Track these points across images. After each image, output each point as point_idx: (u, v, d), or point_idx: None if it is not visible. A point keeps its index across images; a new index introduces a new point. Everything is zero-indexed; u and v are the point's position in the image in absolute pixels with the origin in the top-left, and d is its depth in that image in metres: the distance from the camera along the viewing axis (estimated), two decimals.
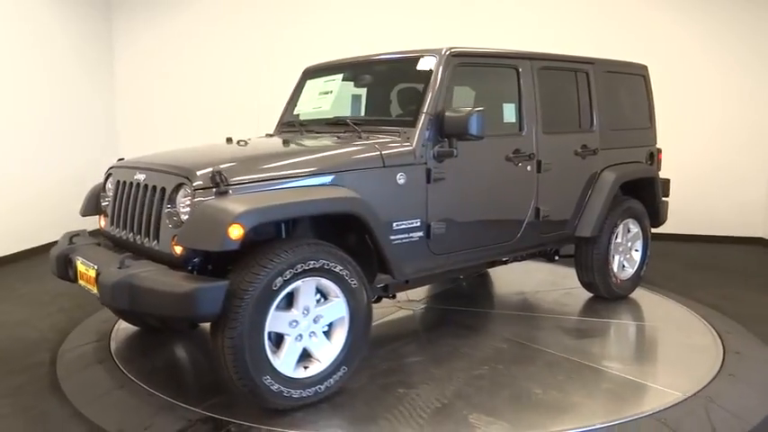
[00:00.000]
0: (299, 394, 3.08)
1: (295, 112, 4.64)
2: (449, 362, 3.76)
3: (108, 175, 3.79)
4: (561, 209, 4.54)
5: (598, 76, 4.80)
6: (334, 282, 3.16)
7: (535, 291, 5.34)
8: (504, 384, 3.46)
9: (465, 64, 3.92)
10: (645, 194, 5.21)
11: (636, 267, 5.15)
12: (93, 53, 8.04)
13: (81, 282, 3.39)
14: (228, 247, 2.78)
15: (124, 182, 3.53)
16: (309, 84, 4.63)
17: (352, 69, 4.49)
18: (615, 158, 4.89)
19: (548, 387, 3.42)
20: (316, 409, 3.15)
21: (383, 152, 3.51)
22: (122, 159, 3.85)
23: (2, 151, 6.50)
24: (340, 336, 3.25)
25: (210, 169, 3.02)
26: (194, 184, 3.01)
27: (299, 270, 2.99)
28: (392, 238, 3.52)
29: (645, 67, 5.32)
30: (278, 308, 3.01)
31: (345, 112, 4.41)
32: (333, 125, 4.10)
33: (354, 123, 3.89)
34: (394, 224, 3.54)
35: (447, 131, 3.64)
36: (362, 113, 4.53)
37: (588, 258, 4.82)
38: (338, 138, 3.82)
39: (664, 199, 5.38)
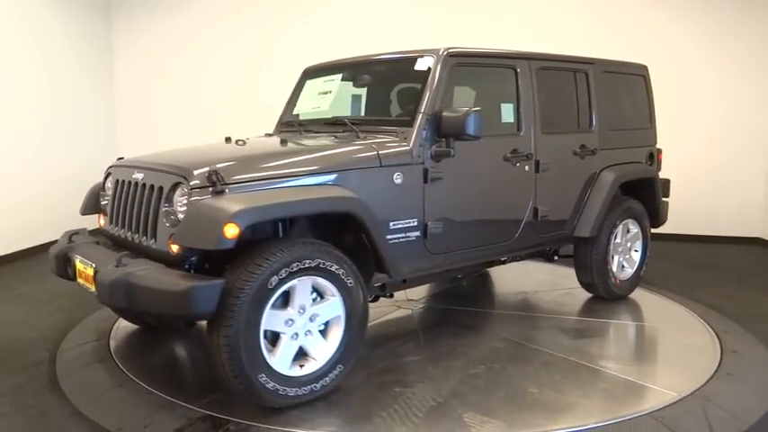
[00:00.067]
0: (294, 392, 3.10)
1: (294, 112, 4.65)
2: (446, 361, 3.77)
3: (107, 175, 3.82)
4: (560, 209, 4.54)
5: (597, 76, 4.80)
6: (330, 281, 3.17)
7: (534, 291, 5.35)
8: (500, 384, 3.46)
9: (463, 64, 3.93)
10: (645, 195, 5.20)
11: (635, 268, 5.14)
12: (92, 53, 8.05)
13: (79, 280, 3.42)
14: (224, 245, 2.80)
15: (123, 181, 3.56)
16: (309, 84, 4.65)
17: (351, 69, 4.51)
18: (615, 159, 4.89)
19: (544, 387, 3.42)
20: (311, 408, 3.16)
21: (380, 152, 3.52)
22: (122, 158, 3.88)
23: (1, 151, 6.52)
24: (336, 334, 3.26)
25: (207, 169, 3.03)
26: (191, 184, 3.03)
27: (295, 269, 3.00)
28: (389, 237, 3.53)
29: (645, 68, 5.32)
30: (274, 306, 3.02)
31: (344, 111, 4.42)
32: (331, 125, 4.11)
33: (353, 123, 3.90)
34: (391, 224, 3.55)
35: (444, 131, 3.65)
36: (362, 113, 4.54)
37: (587, 258, 4.82)
38: (336, 137, 3.84)
39: (664, 199, 5.38)
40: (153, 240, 3.22)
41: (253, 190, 3.08)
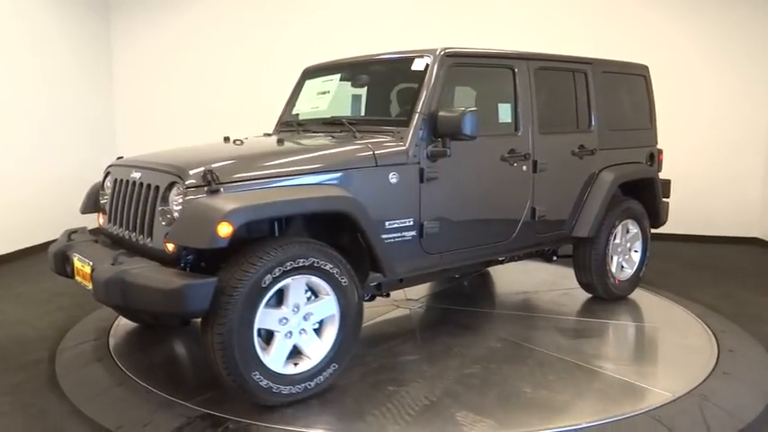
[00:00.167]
0: (288, 390, 3.12)
1: (294, 112, 4.68)
2: (442, 360, 3.78)
3: (107, 174, 3.85)
4: (558, 209, 4.54)
5: (597, 76, 4.79)
6: (324, 279, 3.19)
7: (534, 291, 5.35)
8: (494, 383, 3.47)
9: (460, 64, 3.94)
10: (645, 195, 5.20)
11: (635, 268, 5.14)
12: (91, 53, 8.05)
13: (77, 278, 3.45)
14: (217, 244, 2.82)
15: (121, 180, 3.59)
16: (308, 84, 4.67)
17: (350, 70, 4.53)
18: (614, 159, 4.89)
19: (538, 386, 3.43)
20: (305, 406, 3.18)
21: (376, 152, 3.53)
22: (121, 158, 3.92)
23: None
24: (330, 333, 3.28)
25: (202, 168, 3.06)
26: (186, 183, 3.06)
27: (289, 268, 3.02)
28: (384, 237, 3.54)
29: (645, 68, 5.31)
30: (268, 305, 3.04)
31: (343, 111, 4.44)
32: (329, 125, 4.13)
33: (350, 123, 3.92)
34: (386, 223, 3.56)
35: (440, 131, 3.66)
36: (362, 113, 4.56)
37: (586, 259, 4.82)
38: (333, 137, 3.86)
39: (664, 200, 5.36)
40: (149, 239, 3.25)
41: (248, 189, 3.10)
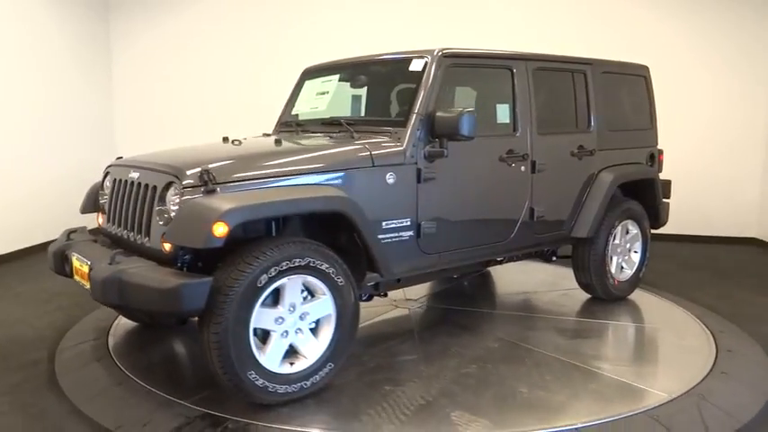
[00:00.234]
0: (284, 389, 3.13)
1: (293, 112, 4.69)
2: (439, 360, 3.79)
3: (106, 174, 3.87)
4: (557, 209, 4.54)
5: (596, 76, 4.79)
6: (320, 279, 3.20)
7: (534, 291, 5.35)
8: (490, 383, 3.48)
9: (458, 65, 3.94)
10: (645, 196, 5.19)
11: (635, 269, 5.13)
12: (90, 53, 8.05)
13: (76, 277, 3.47)
14: (213, 244, 2.83)
15: (120, 180, 3.61)
16: (307, 84, 4.69)
17: (349, 70, 4.54)
18: (614, 159, 4.88)
19: (534, 387, 3.43)
20: (302, 405, 3.20)
21: (373, 152, 3.55)
22: (121, 158, 3.94)
23: None
24: (327, 333, 3.29)
25: (199, 168, 3.08)
26: (183, 183, 3.08)
27: (285, 267, 3.03)
28: (381, 237, 3.55)
29: (646, 68, 5.30)
30: (264, 304, 3.05)
31: (342, 112, 4.45)
32: (328, 125, 4.14)
33: (348, 124, 3.93)
34: (383, 223, 3.57)
35: (438, 132, 3.67)
36: (362, 113, 4.58)
37: (585, 259, 4.82)
38: (331, 138, 3.88)
39: (665, 200, 5.36)
40: (147, 239, 3.27)
41: (245, 189, 3.12)
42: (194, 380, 3.69)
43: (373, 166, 3.53)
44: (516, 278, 5.70)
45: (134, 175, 3.47)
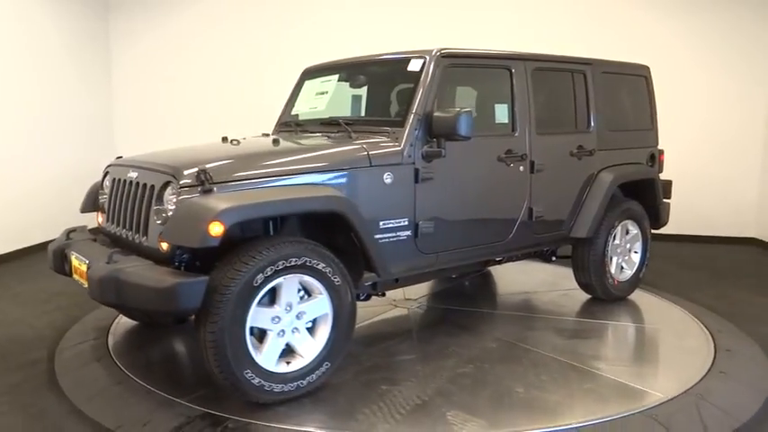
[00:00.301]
0: (280, 388, 3.14)
1: (293, 113, 4.71)
2: (436, 360, 3.79)
3: (106, 173, 3.90)
4: (556, 209, 4.54)
5: (596, 76, 4.78)
6: (316, 279, 3.21)
7: (534, 291, 5.35)
8: (487, 383, 3.48)
9: (456, 65, 3.95)
10: (645, 196, 5.18)
11: (635, 269, 5.12)
12: (89, 53, 8.03)
13: (75, 276, 3.50)
14: (209, 243, 2.85)
15: (119, 179, 3.63)
16: (307, 84, 4.70)
17: (348, 70, 4.55)
18: (613, 159, 4.88)
19: (530, 386, 3.43)
20: (298, 404, 3.21)
21: (370, 152, 3.55)
22: (120, 157, 3.96)
23: None
24: (323, 332, 3.30)
25: (196, 168, 3.09)
26: (180, 183, 3.09)
27: (281, 267, 3.05)
28: (378, 236, 3.56)
29: (646, 68, 5.29)
30: (260, 304, 3.07)
31: (341, 112, 4.45)
32: (327, 125, 4.15)
33: (347, 123, 3.94)
34: (381, 223, 3.58)
35: (435, 132, 3.68)
36: (362, 113, 4.59)
37: (584, 259, 4.82)
38: (329, 138, 3.89)
39: (665, 201, 5.35)
40: (145, 238, 3.29)
41: (241, 189, 3.13)
42: (194, 379, 3.69)
43: (371, 166, 3.54)
44: (516, 278, 5.70)
45: (133, 174, 3.49)
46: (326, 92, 4.41)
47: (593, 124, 4.74)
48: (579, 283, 4.99)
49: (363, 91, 4.67)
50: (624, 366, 3.78)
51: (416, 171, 3.69)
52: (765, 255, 7.05)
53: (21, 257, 6.69)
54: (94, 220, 3.98)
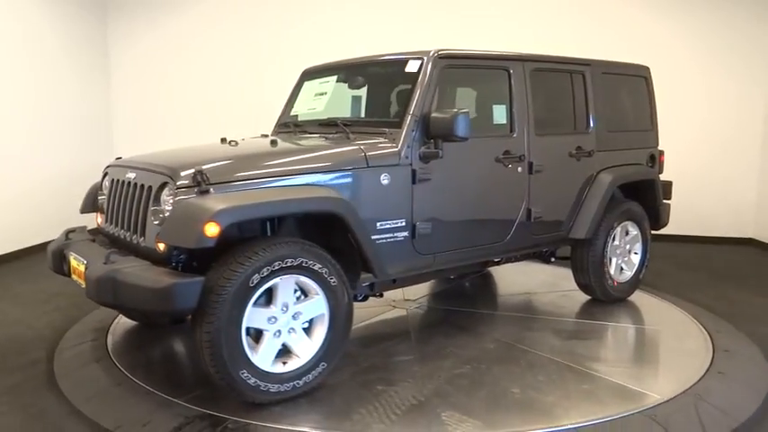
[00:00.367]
0: (276, 388, 3.15)
1: (292, 113, 4.72)
2: (433, 361, 3.80)
3: (105, 174, 3.92)
4: (554, 210, 4.54)
5: (595, 77, 4.78)
6: (313, 279, 3.22)
7: (533, 292, 5.35)
8: (483, 384, 3.48)
9: (453, 66, 3.95)
10: (645, 197, 5.17)
11: (635, 270, 5.11)
12: (85, 54, 8.02)
13: (74, 276, 3.52)
14: (204, 244, 2.86)
15: (117, 180, 3.65)
16: (306, 85, 4.71)
17: (346, 71, 4.56)
18: (613, 160, 4.87)
19: (526, 387, 3.44)
20: (294, 404, 3.22)
21: (367, 153, 3.56)
22: (120, 158, 3.98)
23: None
24: (320, 332, 3.31)
25: (193, 169, 3.11)
26: (177, 183, 3.11)
27: (277, 267, 3.05)
28: (375, 237, 3.57)
29: (646, 69, 5.28)
30: (257, 304, 3.08)
31: (339, 113, 4.46)
32: (326, 126, 4.17)
33: (345, 124, 3.95)
34: (378, 224, 3.59)
35: (433, 133, 3.68)
36: (362, 114, 4.60)
37: (584, 260, 4.81)
38: (326, 139, 3.90)
39: (665, 201, 5.34)
40: (142, 238, 3.30)
41: (238, 190, 3.15)
42: (194, 380, 3.69)
43: (368, 167, 3.54)
44: (516, 279, 5.70)
45: (131, 175, 3.51)
46: (325, 93, 4.43)
47: (592, 125, 4.74)
48: (578, 285, 4.99)
49: (363, 92, 4.67)
50: (621, 367, 3.78)
51: (413, 172, 3.70)
52: (763, 255, 7.05)
53: (21, 258, 6.70)
54: (94, 220, 4.00)
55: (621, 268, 5.06)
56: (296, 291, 3.24)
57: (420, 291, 5.27)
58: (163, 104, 8.51)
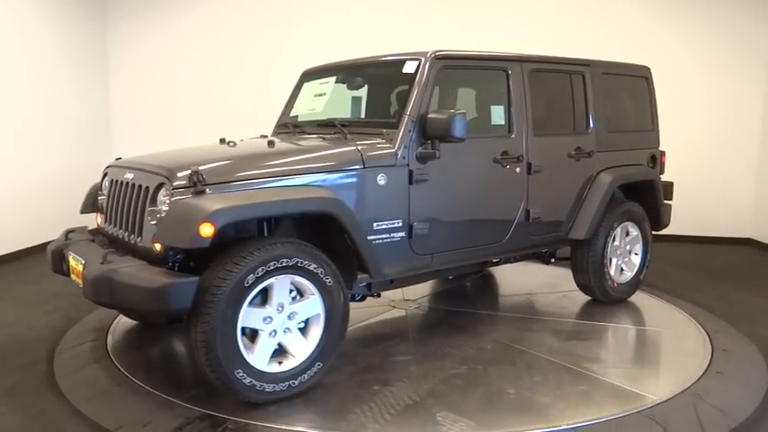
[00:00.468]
0: (271, 388, 3.16)
1: (292, 114, 4.74)
2: (430, 361, 3.80)
3: (105, 174, 3.94)
4: (553, 211, 4.54)
5: (595, 78, 4.77)
6: (308, 279, 3.23)
7: (534, 293, 5.35)
8: (478, 384, 3.49)
9: (451, 67, 3.96)
10: (646, 197, 5.16)
11: (635, 271, 5.10)
12: (83, 54, 8.00)
13: (72, 276, 3.54)
14: (200, 244, 2.88)
15: (116, 180, 3.68)
16: (306, 86, 4.73)
17: (345, 72, 4.57)
18: (613, 161, 4.86)
19: (522, 388, 3.44)
20: (289, 403, 3.23)
21: (364, 153, 3.58)
22: (119, 159, 4.00)
23: None
24: (316, 332, 3.32)
25: (189, 170, 3.12)
26: (174, 184, 3.13)
27: (272, 267, 3.07)
28: (372, 237, 3.58)
29: (647, 69, 5.27)
30: (252, 304, 3.09)
31: (338, 113, 4.47)
32: (324, 127, 4.18)
33: (343, 125, 3.96)
34: (374, 224, 3.60)
35: (430, 133, 3.69)
36: (362, 115, 4.61)
37: (583, 261, 4.81)
38: (324, 139, 3.91)
39: (667, 202, 5.32)
40: (140, 238, 3.33)
41: (235, 190, 3.16)
42: (194, 380, 3.69)
43: (364, 168, 3.56)
44: (517, 279, 5.69)
45: (129, 176, 3.53)
46: (324, 93, 4.44)
47: (591, 126, 4.73)
48: (578, 285, 4.98)
49: (363, 93, 4.69)
50: (619, 368, 3.77)
51: (410, 172, 3.71)
52: (761, 255, 7.04)
53: (21, 258, 6.71)
54: (94, 221, 4.02)
55: (622, 269, 5.05)
56: (291, 291, 3.26)
57: (420, 291, 5.27)
58: (163, 105, 8.52)
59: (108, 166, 3.95)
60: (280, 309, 3.20)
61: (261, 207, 3.11)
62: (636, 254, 5.13)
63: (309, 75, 4.78)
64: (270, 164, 3.41)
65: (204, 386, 3.38)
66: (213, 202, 2.97)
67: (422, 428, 3.00)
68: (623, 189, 5.06)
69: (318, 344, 3.32)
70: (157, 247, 3.13)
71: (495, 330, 4.39)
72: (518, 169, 4.25)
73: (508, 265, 4.92)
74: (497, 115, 4.27)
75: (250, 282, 3.01)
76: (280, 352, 3.27)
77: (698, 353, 3.97)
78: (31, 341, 4.31)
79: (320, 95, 4.46)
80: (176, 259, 3.16)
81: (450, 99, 4.64)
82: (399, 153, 3.67)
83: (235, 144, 3.87)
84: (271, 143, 3.78)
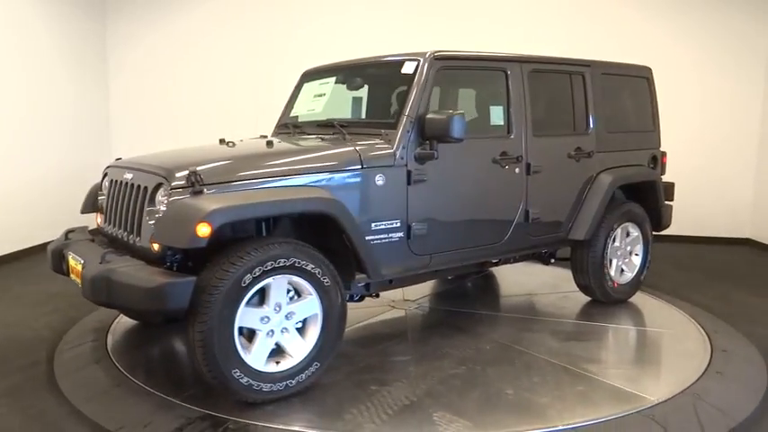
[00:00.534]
0: (269, 388, 3.17)
1: (292, 114, 4.74)
2: (429, 361, 3.80)
3: (104, 175, 3.96)
4: (553, 211, 4.53)
5: (595, 78, 4.76)
6: (306, 279, 3.23)
7: (534, 293, 5.34)
8: (476, 384, 3.48)
9: (450, 67, 3.96)
10: (647, 198, 5.15)
11: (636, 272, 5.09)
12: (82, 54, 8.00)
13: (72, 276, 3.55)
14: (196, 244, 2.89)
15: (116, 181, 3.69)
16: (306, 86, 4.74)
17: (344, 72, 4.57)
18: (613, 161, 4.86)
19: (520, 388, 3.43)
20: (287, 403, 3.23)
21: (362, 154, 3.58)
22: (119, 159, 4.02)
23: None
24: (313, 332, 3.33)
25: (187, 170, 3.13)
26: (172, 184, 3.14)
27: (269, 267, 3.07)
28: (370, 238, 3.58)
29: (648, 70, 5.26)
30: (249, 304, 3.10)
31: (337, 114, 4.47)
32: (323, 127, 4.18)
33: (342, 126, 3.97)
34: (373, 224, 3.60)
35: (428, 134, 3.69)
36: (362, 115, 4.61)
37: (583, 262, 4.80)
38: (323, 140, 3.92)
39: (667, 203, 5.31)
40: (138, 238, 3.33)
41: (233, 191, 3.17)
42: (194, 380, 3.67)
43: (362, 168, 3.56)
44: (518, 280, 5.69)
45: (128, 176, 3.54)
46: (324, 94, 4.45)
47: (591, 126, 4.72)
48: (579, 285, 4.97)
49: (364, 93, 4.69)
50: (618, 369, 3.77)
51: (409, 173, 3.71)
52: (760, 255, 7.04)
53: (20, 259, 6.72)
54: (94, 221, 4.04)
55: (622, 270, 5.04)
56: (289, 291, 3.26)
57: (420, 291, 5.27)
58: (163, 105, 8.53)
59: (108, 167, 3.97)
60: (277, 309, 3.21)
61: (258, 207, 3.12)
62: (636, 255, 5.12)
63: (309, 75, 4.79)
64: (268, 164, 3.42)
65: (204, 386, 3.38)
66: (210, 202, 2.98)
67: (418, 428, 3.00)
68: (624, 190, 5.06)
69: (316, 344, 3.32)
70: (155, 246, 3.14)
71: (494, 331, 4.39)
72: (517, 170, 4.25)
73: (508, 265, 4.93)
74: (496, 116, 4.27)
75: (247, 282, 3.02)
76: (277, 352, 3.28)
77: (697, 353, 3.96)
78: (31, 341, 4.31)
79: (320, 96, 4.47)
80: (174, 259, 3.17)
81: (450, 99, 4.64)
82: (398, 153, 3.67)
83: (234, 144, 3.88)
84: (269, 143, 3.78)
